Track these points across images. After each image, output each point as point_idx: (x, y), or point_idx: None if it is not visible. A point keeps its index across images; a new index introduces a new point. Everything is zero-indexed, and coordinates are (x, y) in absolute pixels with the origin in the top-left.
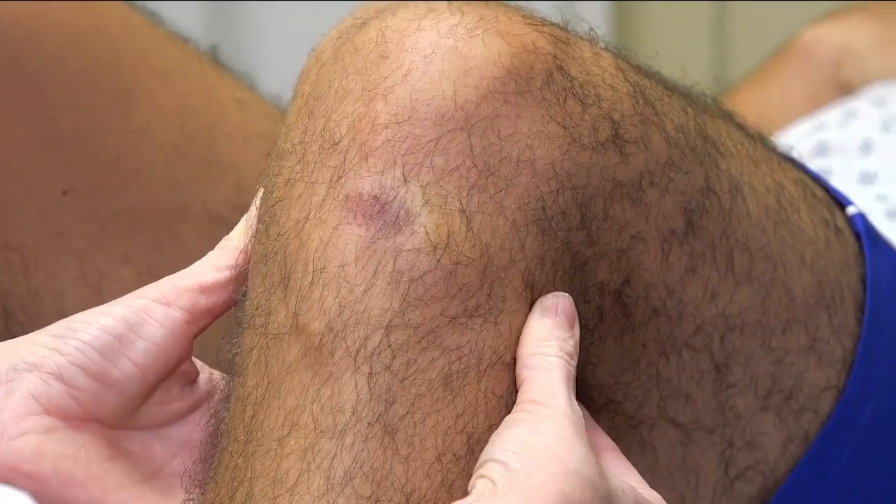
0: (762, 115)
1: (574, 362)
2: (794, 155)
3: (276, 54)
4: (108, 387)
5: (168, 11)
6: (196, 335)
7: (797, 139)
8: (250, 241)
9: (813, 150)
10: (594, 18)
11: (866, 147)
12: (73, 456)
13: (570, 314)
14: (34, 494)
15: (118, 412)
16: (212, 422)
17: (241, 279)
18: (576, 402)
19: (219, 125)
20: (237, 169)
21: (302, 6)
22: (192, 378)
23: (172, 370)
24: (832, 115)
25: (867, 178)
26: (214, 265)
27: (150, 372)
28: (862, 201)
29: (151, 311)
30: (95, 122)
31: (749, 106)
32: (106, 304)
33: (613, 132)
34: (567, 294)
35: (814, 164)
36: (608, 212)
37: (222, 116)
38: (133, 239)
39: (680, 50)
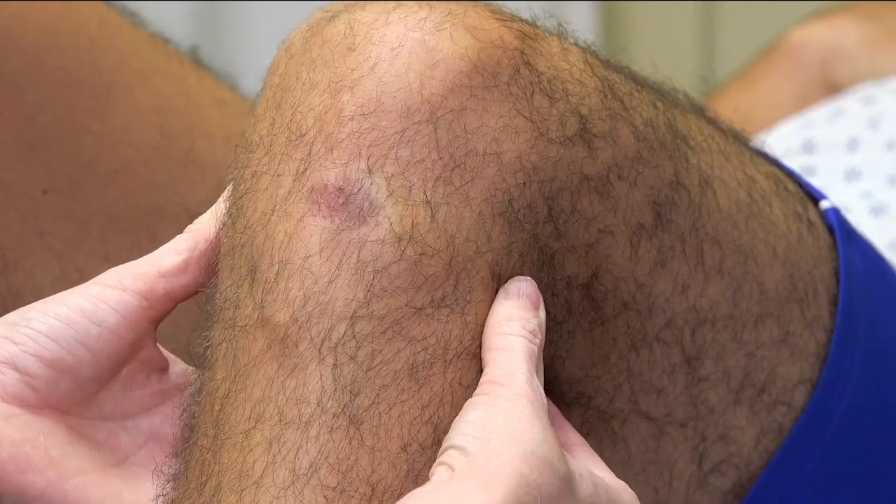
0: (750, 115)
1: (538, 341)
2: (777, 151)
3: (260, 54)
4: (62, 373)
5: (153, 12)
6: (156, 321)
7: (784, 136)
8: (220, 231)
9: (800, 147)
10: (581, 19)
11: (853, 144)
12: (31, 441)
13: (534, 297)
14: None
15: (74, 398)
16: (184, 416)
17: (204, 266)
18: (537, 381)
19: (199, 125)
20: (217, 169)
21: (287, 6)
22: (160, 367)
23: (129, 356)
24: (820, 113)
25: (852, 175)
26: (175, 249)
27: (104, 357)
28: (847, 198)
29: (106, 296)
30: (74, 121)
31: (736, 106)
32: (62, 293)
33: (581, 126)
34: (530, 278)
35: (800, 161)
36: (576, 206)
37: (202, 116)
38: (113, 239)
39: (667, 50)
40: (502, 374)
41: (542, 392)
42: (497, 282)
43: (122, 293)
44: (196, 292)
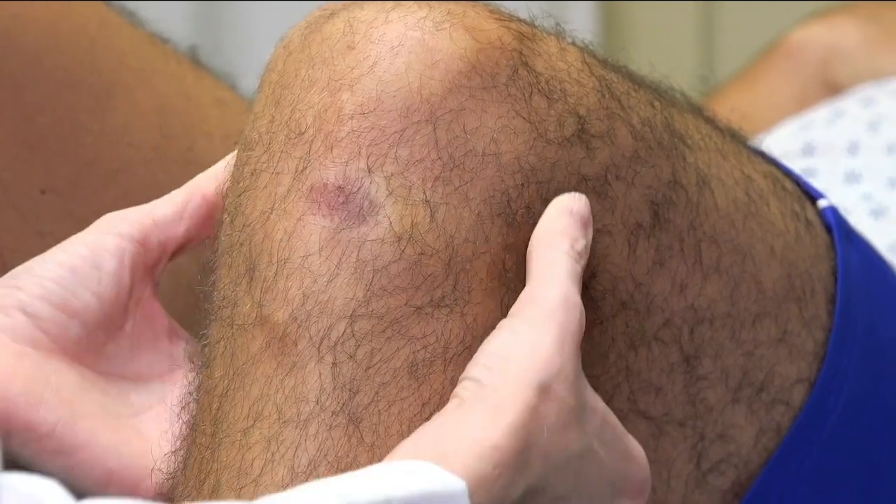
0: (749, 115)
1: (583, 262)
2: (775, 153)
3: (260, 54)
4: (71, 317)
5: (152, 12)
6: (152, 268)
7: (783, 138)
8: (219, 228)
9: (799, 150)
10: (581, 19)
11: (853, 148)
12: (44, 379)
13: (586, 216)
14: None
15: (84, 346)
16: (182, 414)
17: (198, 220)
18: (574, 301)
19: (198, 125)
20: None
21: (287, 6)
22: (166, 328)
23: (130, 304)
24: (819, 115)
25: (852, 178)
26: (170, 200)
27: (108, 303)
28: (847, 200)
29: (102, 242)
30: (74, 121)
31: (736, 106)
32: (59, 244)
33: (579, 127)
34: (583, 195)
35: (800, 164)
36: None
37: (202, 116)
38: None
39: (667, 50)
40: (539, 291)
41: (581, 311)
42: (497, 283)
43: (119, 238)
44: (188, 248)
